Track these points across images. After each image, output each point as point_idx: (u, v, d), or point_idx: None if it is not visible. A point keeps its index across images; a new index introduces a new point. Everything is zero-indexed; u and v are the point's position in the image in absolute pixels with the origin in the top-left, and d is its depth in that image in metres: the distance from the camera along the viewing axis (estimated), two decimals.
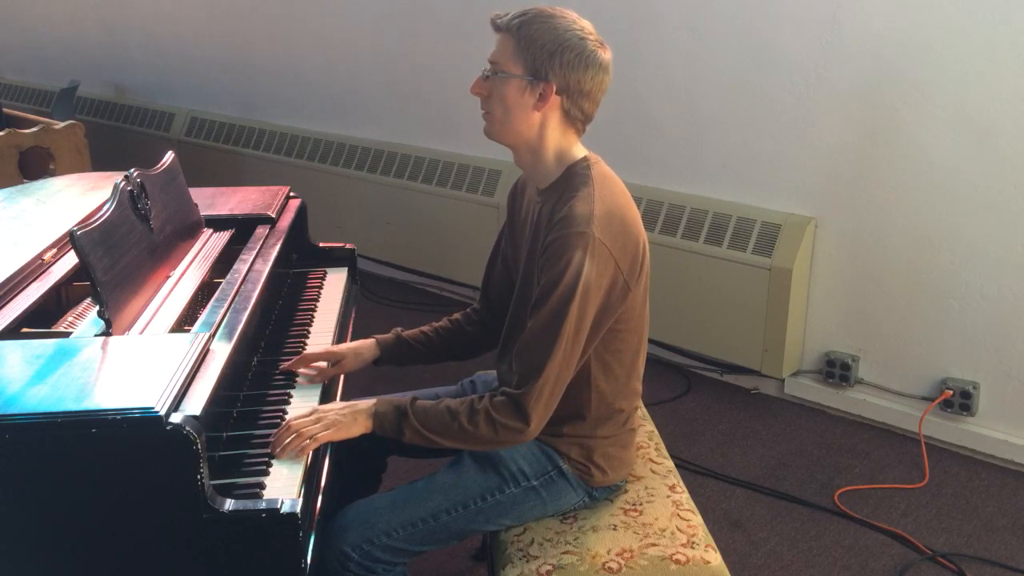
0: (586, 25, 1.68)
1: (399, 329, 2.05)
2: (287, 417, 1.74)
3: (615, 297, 1.66)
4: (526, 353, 1.63)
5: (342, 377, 2.04)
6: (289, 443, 1.60)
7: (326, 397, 1.89)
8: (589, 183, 1.67)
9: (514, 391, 1.62)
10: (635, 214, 1.73)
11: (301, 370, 1.94)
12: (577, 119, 1.70)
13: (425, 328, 2.04)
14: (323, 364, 1.96)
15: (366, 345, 2.01)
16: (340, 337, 2.18)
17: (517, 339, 1.73)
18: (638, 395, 1.86)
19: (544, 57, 1.64)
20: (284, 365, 1.95)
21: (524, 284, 1.76)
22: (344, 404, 1.72)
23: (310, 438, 1.61)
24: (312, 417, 1.66)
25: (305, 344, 2.09)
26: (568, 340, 1.61)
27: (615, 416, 1.79)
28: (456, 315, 2.05)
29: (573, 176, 1.70)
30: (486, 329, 2.03)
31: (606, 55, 1.68)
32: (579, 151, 1.74)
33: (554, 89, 1.65)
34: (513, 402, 1.61)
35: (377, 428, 1.69)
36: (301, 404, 1.81)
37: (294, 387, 1.88)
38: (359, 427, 1.68)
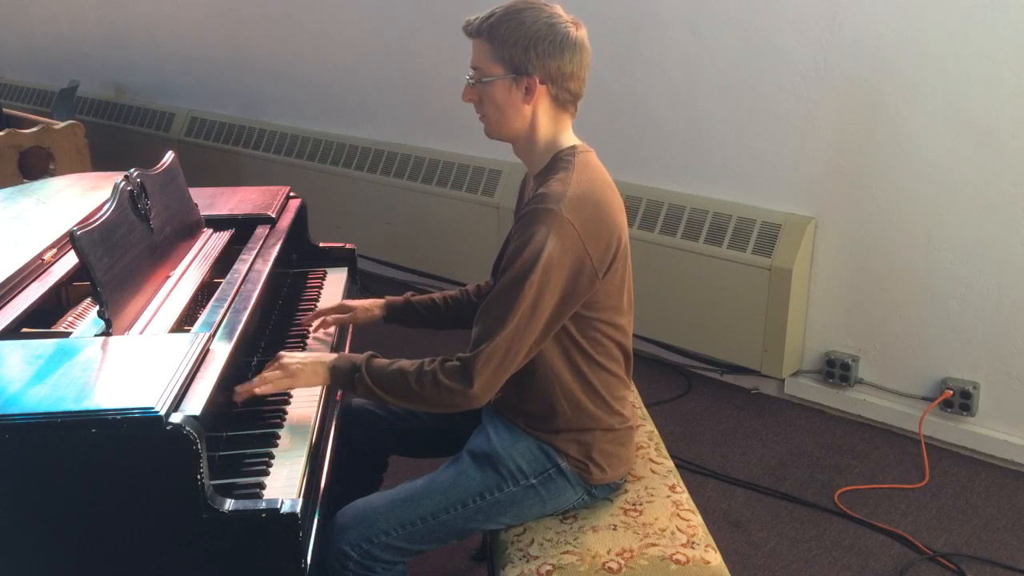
0: (555, 10, 1.71)
1: (411, 293, 2.16)
2: (287, 417, 1.75)
3: (582, 282, 1.67)
4: (482, 318, 1.66)
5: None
6: (249, 386, 1.69)
7: None
8: (570, 168, 1.71)
9: (465, 354, 1.65)
10: (614, 205, 1.74)
11: (313, 330, 2.11)
12: (567, 101, 1.74)
13: (436, 295, 2.14)
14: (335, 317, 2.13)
15: (377, 304, 2.14)
16: (340, 337, 2.19)
17: None
18: (627, 387, 1.87)
19: (520, 53, 1.67)
20: (302, 319, 2.12)
21: None
22: (309, 355, 1.78)
23: (271, 383, 1.71)
24: (276, 364, 1.74)
25: (306, 344, 2.10)
26: (524, 312, 1.62)
27: (605, 406, 1.79)
28: (469, 286, 2.13)
29: (558, 161, 1.74)
30: None
31: (580, 32, 1.71)
32: (569, 140, 1.77)
33: (538, 80, 1.69)
34: (462, 365, 1.64)
35: (333, 382, 1.75)
36: (302, 402, 1.81)
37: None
38: (318, 378, 1.74)
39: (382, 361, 1.73)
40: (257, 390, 1.70)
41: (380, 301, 2.15)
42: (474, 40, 1.72)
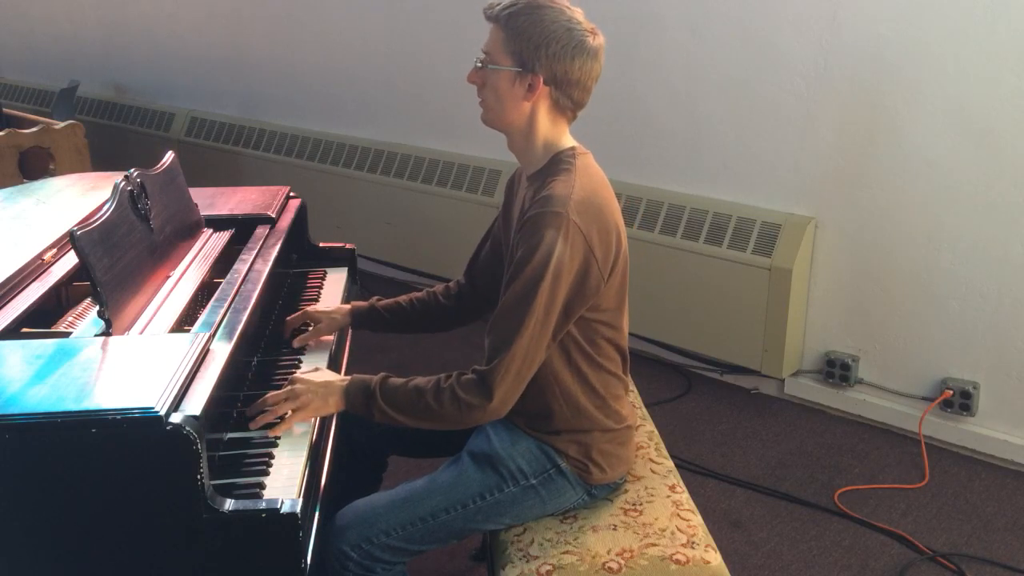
0: (575, 14, 1.70)
1: (376, 298, 2.13)
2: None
3: (590, 284, 1.67)
4: (496, 329, 1.64)
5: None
6: (260, 418, 1.67)
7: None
8: (572, 170, 1.70)
9: (481, 367, 1.64)
10: (614, 208, 1.74)
11: (293, 343, 2.06)
12: (567, 108, 1.73)
13: (402, 298, 2.11)
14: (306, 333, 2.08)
15: (342, 311, 2.11)
16: (340, 337, 2.19)
17: None
18: (626, 386, 1.87)
19: (531, 49, 1.66)
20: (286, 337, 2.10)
21: (508, 265, 1.77)
22: (321, 380, 1.74)
23: (281, 417, 1.68)
24: (286, 390, 1.71)
25: (306, 344, 2.09)
26: (538, 319, 1.61)
27: (605, 407, 1.79)
28: (436, 287, 2.11)
29: (558, 163, 1.73)
30: (462, 304, 2.07)
31: (595, 41, 1.69)
32: (567, 141, 1.76)
33: (542, 80, 1.68)
34: (479, 378, 1.63)
35: (349, 408, 1.72)
36: None
37: None
38: (330, 407, 1.72)
39: (396, 381, 1.70)
40: (271, 433, 1.66)
41: (345, 308, 2.12)
42: (492, 25, 1.72)
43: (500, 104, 1.72)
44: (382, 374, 1.72)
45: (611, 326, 1.76)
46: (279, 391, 1.73)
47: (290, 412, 1.69)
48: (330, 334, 2.11)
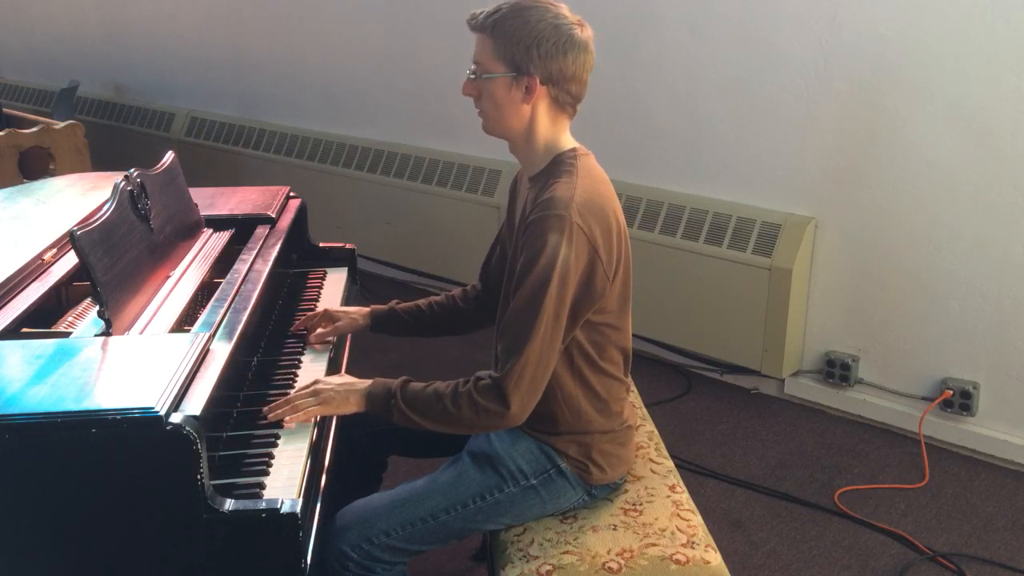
0: (561, 10, 1.70)
1: (396, 301, 2.13)
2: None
3: (596, 286, 1.67)
4: (507, 335, 1.64)
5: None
6: (281, 412, 1.69)
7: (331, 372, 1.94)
8: (573, 171, 1.70)
9: (496, 374, 1.64)
10: (617, 209, 1.74)
11: (311, 338, 2.08)
12: (566, 104, 1.73)
13: (421, 302, 2.12)
14: (324, 329, 2.10)
15: (362, 313, 2.12)
16: (340, 338, 2.18)
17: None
18: (626, 387, 1.87)
19: (522, 52, 1.66)
20: (293, 328, 2.12)
21: (511, 267, 1.77)
22: (343, 380, 1.76)
23: (302, 411, 1.69)
24: (309, 389, 1.73)
25: (304, 346, 2.09)
26: (548, 323, 1.61)
27: (606, 410, 1.79)
28: (455, 291, 2.12)
29: (559, 164, 1.72)
30: (480, 307, 2.08)
31: (584, 34, 1.70)
32: (568, 142, 1.76)
33: (538, 81, 1.68)
34: (495, 385, 1.63)
35: (369, 409, 1.72)
36: None
37: (294, 386, 1.89)
38: (351, 406, 1.72)
39: (417, 385, 1.70)
40: (288, 418, 1.68)
41: (365, 310, 2.12)
42: (478, 35, 1.71)
43: (499, 111, 1.72)
44: (403, 377, 1.72)
45: (616, 328, 1.76)
46: (302, 389, 1.74)
47: (308, 409, 1.70)
48: (349, 333, 2.13)
